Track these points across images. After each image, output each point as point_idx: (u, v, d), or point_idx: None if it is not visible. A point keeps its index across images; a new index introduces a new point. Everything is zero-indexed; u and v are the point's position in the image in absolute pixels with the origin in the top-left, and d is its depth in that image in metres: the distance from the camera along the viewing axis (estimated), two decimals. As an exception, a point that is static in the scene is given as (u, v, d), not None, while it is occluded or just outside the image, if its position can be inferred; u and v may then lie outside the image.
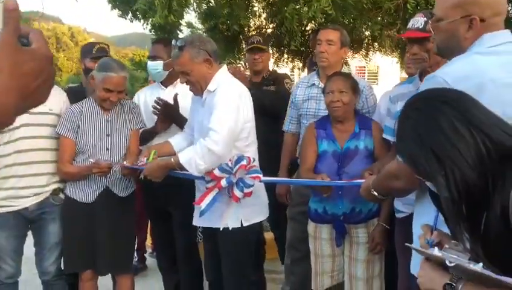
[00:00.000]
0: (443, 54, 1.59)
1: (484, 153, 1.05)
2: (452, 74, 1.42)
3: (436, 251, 1.17)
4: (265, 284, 3.33)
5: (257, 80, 3.61)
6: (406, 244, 1.28)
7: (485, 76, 1.24)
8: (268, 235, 3.81)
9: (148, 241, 4.39)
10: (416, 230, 1.65)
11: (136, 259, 4.20)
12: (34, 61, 0.65)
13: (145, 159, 2.56)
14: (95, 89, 2.74)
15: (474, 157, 1.05)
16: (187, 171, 2.38)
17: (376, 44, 7.32)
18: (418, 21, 2.29)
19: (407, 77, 2.70)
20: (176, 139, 2.73)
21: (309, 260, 2.76)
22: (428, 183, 1.19)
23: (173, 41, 2.53)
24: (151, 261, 4.31)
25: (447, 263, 1.11)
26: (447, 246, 1.18)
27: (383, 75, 23.60)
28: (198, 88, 2.52)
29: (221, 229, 2.54)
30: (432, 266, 1.23)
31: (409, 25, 2.37)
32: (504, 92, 1.39)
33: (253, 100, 2.59)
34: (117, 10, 5.45)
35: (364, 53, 7.78)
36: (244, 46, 6.99)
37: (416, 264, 1.64)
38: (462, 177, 1.05)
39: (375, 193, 1.81)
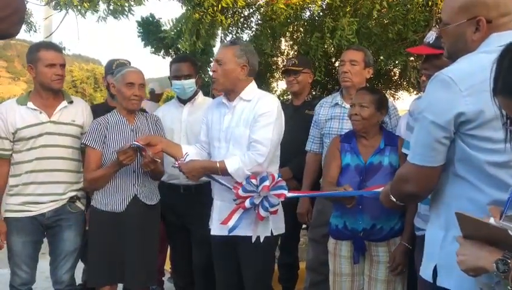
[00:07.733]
0: (452, 58, 1.56)
1: None
2: (457, 71, 1.40)
3: (492, 221, 1.10)
4: None
5: (298, 103, 3.51)
6: (457, 212, 1.18)
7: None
8: (302, 265, 3.63)
9: (167, 266, 4.32)
10: (430, 233, 1.59)
11: (154, 282, 4.14)
12: None
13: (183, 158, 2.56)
14: (117, 97, 2.80)
15: None
16: (223, 177, 2.47)
17: (405, 83, 7.29)
18: (430, 36, 2.21)
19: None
20: (190, 150, 2.66)
21: (328, 284, 2.65)
22: None
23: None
24: (168, 285, 4.23)
25: (510, 232, 1.05)
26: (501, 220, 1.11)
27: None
28: (221, 87, 2.57)
29: (253, 239, 2.47)
30: (476, 244, 1.16)
31: (424, 39, 2.32)
32: None
33: None
34: (150, 47, 5.70)
35: (392, 92, 7.74)
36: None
37: (426, 268, 1.56)
38: None
39: (393, 199, 1.75)
